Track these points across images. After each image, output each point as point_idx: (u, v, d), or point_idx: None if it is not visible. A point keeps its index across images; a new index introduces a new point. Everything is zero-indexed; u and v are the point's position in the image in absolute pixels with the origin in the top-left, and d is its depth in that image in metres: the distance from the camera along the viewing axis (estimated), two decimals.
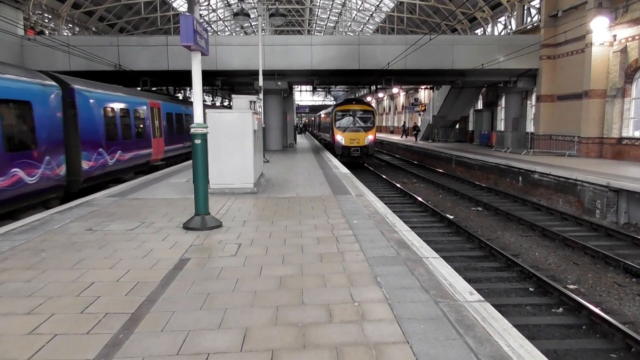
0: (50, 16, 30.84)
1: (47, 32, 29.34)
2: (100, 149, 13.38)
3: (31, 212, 9.80)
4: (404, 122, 51.58)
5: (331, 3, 52.40)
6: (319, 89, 36.50)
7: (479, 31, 34.97)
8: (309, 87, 36.11)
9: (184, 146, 22.14)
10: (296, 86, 36.70)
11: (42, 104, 10.53)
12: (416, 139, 38.96)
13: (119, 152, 14.54)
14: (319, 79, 26.59)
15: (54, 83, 11.30)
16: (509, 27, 30.51)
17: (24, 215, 9.45)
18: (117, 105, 14.79)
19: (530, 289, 7.99)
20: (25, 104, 9.94)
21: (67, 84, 12.06)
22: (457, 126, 37.00)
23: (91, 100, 13.08)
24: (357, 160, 25.92)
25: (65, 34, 31.32)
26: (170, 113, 20.31)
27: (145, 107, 17.09)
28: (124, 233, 6.62)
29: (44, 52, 20.68)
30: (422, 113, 40.51)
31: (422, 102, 43.05)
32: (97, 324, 3.67)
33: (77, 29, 34.63)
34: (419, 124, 41.20)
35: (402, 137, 46.83)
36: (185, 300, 4.14)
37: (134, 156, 15.75)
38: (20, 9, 22.01)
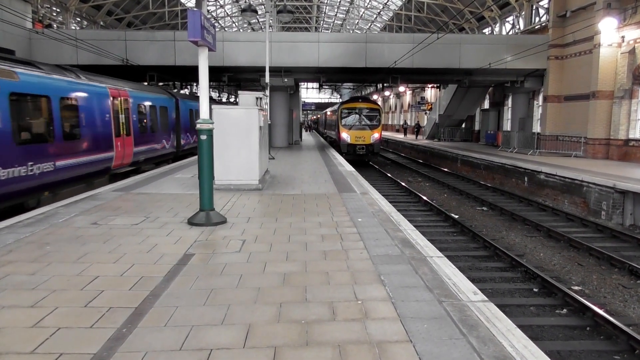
0: (58, 10, 30.93)
1: (55, 25, 29.44)
2: (187, 134, 21.99)
3: (164, 164, 18.18)
4: (405, 121, 52.26)
5: (339, 1, 52.29)
6: (325, 87, 36.46)
7: (486, 30, 34.82)
8: (316, 85, 36.06)
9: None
10: (302, 83, 36.68)
11: (170, 108, 19.80)
12: (416, 136, 38.98)
13: (194, 136, 21.11)
14: (326, 76, 26.55)
15: (172, 97, 20.46)
16: (517, 26, 30.36)
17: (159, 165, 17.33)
18: (194, 106, 22.97)
19: (535, 289, 7.96)
20: (165, 109, 19.04)
21: (175, 96, 20.90)
22: (463, 125, 36.89)
23: (183, 106, 21.43)
24: (363, 158, 25.89)
25: (73, 27, 31.40)
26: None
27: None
28: (128, 227, 6.64)
29: (51, 46, 20.75)
30: (428, 112, 40.43)
31: (429, 100, 42.93)
32: (101, 317, 3.68)
33: (85, 22, 34.72)
34: (423, 123, 41.18)
35: (404, 135, 47.21)
36: (188, 296, 4.15)
37: None
38: (29, 2, 22.07)
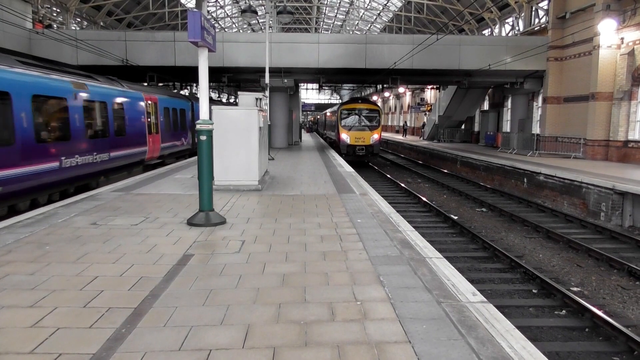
0: (58, 10, 30.93)
1: (55, 25, 29.45)
2: None
3: (182, 158, 20.64)
4: (405, 122, 52.69)
5: (339, 1, 52.33)
6: (325, 87, 36.47)
7: (486, 32, 34.85)
8: (315, 85, 36.05)
9: None
10: (302, 84, 36.69)
11: (187, 110, 22.54)
12: (423, 137, 39.13)
13: None
14: (325, 77, 26.55)
15: (188, 100, 22.94)
16: (517, 28, 30.38)
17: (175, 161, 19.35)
18: None
19: (534, 290, 7.96)
20: (183, 111, 21.84)
21: (190, 100, 23.46)
22: (463, 127, 36.90)
23: (197, 108, 25.50)
24: (362, 159, 25.90)
25: (73, 28, 31.41)
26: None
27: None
28: (128, 228, 6.65)
29: (51, 46, 20.76)
30: (427, 113, 40.45)
31: (428, 102, 42.97)
32: (100, 318, 3.69)
33: (85, 23, 34.73)
34: (424, 124, 41.23)
35: (403, 136, 47.46)
36: (188, 296, 4.15)
37: None
38: (29, 2, 22.08)
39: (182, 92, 29.30)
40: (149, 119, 17.16)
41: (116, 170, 14.62)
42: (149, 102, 17.33)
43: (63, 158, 11.20)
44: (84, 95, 12.34)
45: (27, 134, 9.85)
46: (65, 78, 11.80)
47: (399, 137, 46.54)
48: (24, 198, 10.22)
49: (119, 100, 14.66)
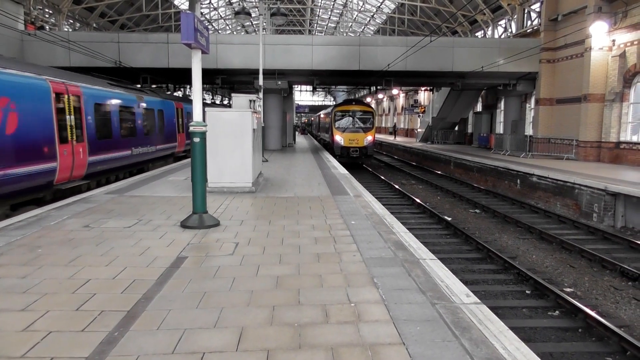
0: (51, 11, 30.77)
1: (47, 27, 29.29)
2: None
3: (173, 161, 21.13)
4: (394, 124, 53.47)
5: (332, 3, 52.39)
6: (319, 89, 36.48)
7: (479, 34, 34.98)
8: (309, 87, 36.04)
9: None
10: (296, 86, 36.69)
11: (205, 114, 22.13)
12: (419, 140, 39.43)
13: None
14: (319, 79, 26.57)
15: (178, 104, 22.18)
16: (510, 30, 30.53)
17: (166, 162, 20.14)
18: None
19: (527, 291, 7.99)
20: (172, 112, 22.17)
21: (204, 105, 22.57)
22: (456, 128, 37.01)
23: (188, 112, 22.81)
24: (356, 161, 25.91)
25: (66, 29, 31.25)
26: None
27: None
28: (121, 230, 6.61)
29: (44, 48, 20.64)
30: (421, 114, 40.53)
31: (422, 103, 43.07)
32: (93, 321, 3.67)
33: (77, 24, 34.56)
34: (416, 126, 41.36)
35: (393, 137, 48.36)
36: (181, 299, 4.13)
37: None
38: (21, 3, 21.93)
39: (176, 92, 29.67)
40: (178, 121, 21.37)
41: (157, 160, 18.64)
42: (178, 108, 21.49)
43: (133, 148, 15.72)
44: (142, 104, 16.61)
45: (116, 131, 14.38)
46: (132, 93, 16.21)
47: (392, 139, 46.70)
48: (116, 172, 14.86)
49: (159, 107, 18.86)
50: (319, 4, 53.64)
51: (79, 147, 11.80)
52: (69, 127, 11.30)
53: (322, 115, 38.19)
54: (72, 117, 11.50)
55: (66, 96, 11.27)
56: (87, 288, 4.36)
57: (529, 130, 26.89)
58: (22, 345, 3.27)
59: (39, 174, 10.02)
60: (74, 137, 11.55)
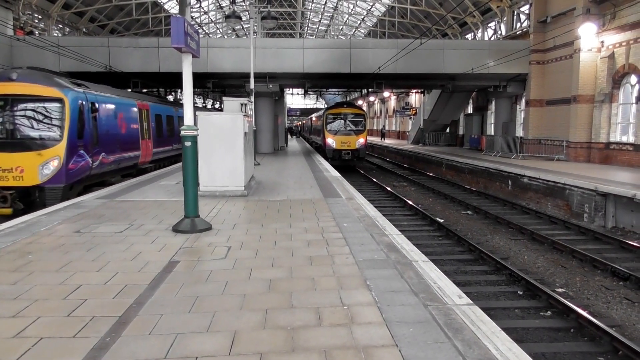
0: (40, 16, 30.60)
1: (37, 32, 29.13)
2: None
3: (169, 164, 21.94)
4: (383, 126, 54.58)
5: (323, 7, 52.51)
6: (311, 92, 36.49)
7: (469, 36, 35.20)
8: (301, 90, 36.05)
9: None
10: (287, 89, 36.71)
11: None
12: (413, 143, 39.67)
13: None
14: (311, 82, 26.61)
15: (176, 108, 23.64)
16: (499, 32, 30.74)
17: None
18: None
19: (519, 292, 8.03)
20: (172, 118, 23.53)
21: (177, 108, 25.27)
22: (448, 130, 37.19)
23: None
24: (348, 164, 25.95)
25: (56, 34, 31.06)
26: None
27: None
28: (112, 235, 6.57)
29: (33, 53, 20.52)
30: (412, 117, 40.68)
31: (413, 106, 43.22)
32: (84, 327, 3.64)
33: (67, 29, 34.38)
34: (407, 128, 41.58)
35: (381, 139, 49.37)
36: (173, 303, 4.12)
37: None
38: (10, 8, 21.84)
39: (168, 96, 29.91)
40: None
41: (174, 159, 21.63)
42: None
43: (172, 145, 20.81)
44: (153, 109, 18.86)
45: (163, 132, 19.68)
46: (170, 105, 21.84)
47: (385, 141, 46.87)
48: (164, 161, 19.86)
49: (171, 113, 21.76)
50: (310, 8, 53.73)
51: (149, 142, 17.66)
52: (144, 129, 17.05)
53: (313, 118, 38.24)
54: (145, 122, 17.31)
55: (142, 110, 17.10)
56: (79, 294, 4.33)
57: (519, 132, 27.06)
58: (13, 351, 3.24)
59: (132, 157, 15.95)
60: (147, 135, 17.32)
